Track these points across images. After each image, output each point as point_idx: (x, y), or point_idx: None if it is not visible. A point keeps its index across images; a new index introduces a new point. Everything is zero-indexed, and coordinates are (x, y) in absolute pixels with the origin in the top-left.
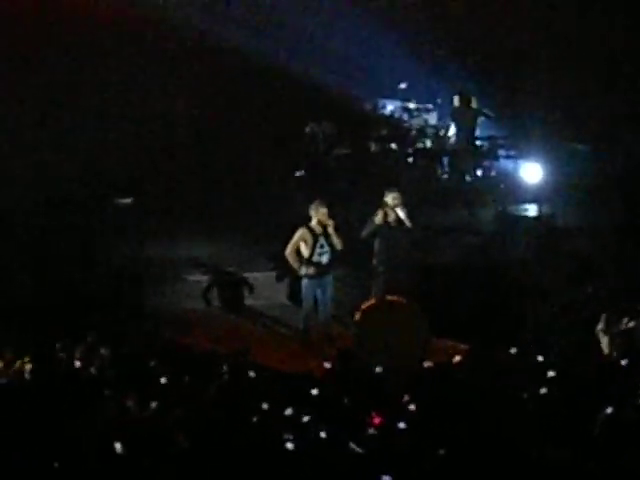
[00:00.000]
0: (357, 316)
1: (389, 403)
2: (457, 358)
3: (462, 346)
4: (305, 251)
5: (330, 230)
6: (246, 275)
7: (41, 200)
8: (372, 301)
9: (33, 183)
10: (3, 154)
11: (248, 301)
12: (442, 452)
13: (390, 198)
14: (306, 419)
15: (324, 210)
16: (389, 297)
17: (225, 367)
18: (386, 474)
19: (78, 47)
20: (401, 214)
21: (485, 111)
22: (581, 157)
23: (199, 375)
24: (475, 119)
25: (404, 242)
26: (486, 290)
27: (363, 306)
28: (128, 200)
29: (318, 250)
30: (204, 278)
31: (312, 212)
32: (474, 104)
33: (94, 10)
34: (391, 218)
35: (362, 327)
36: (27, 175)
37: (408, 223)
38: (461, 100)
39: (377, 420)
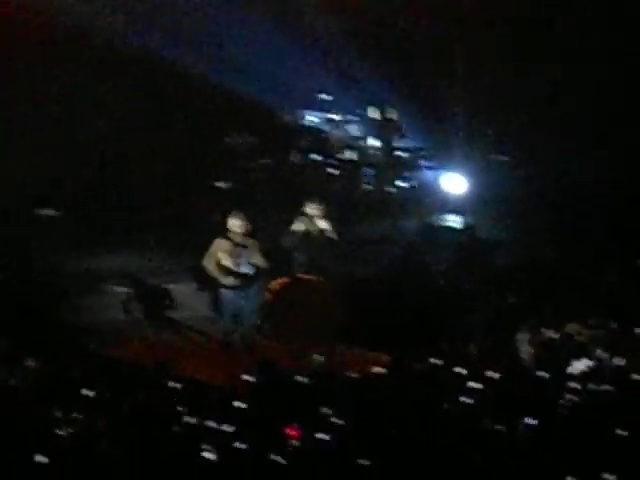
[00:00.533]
0: (268, 295)
1: (309, 414)
2: (377, 369)
3: (383, 357)
4: (226, 261)
5: (250, 243)
6: (168, 286)
7: None
8: (284, 280)
9: None
10: None
11: (170, 313)
12: (365, 463)
13: (311, 209)
14: (229, 430)
15: (237, 223)
16: (300, 276)
17: (145, 379)
18: None
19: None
20: (324, 225)
21: (398, 123)
22: (502, 168)
23: (120, 387)
24: (393, 130)
25: (326, 253)
26: (409, 301)
27: (274, 285)
28: (51, 212)
29: (237, 260)
30: (125, 290)
31: (229, 223)
32: (392, 115)
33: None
34: (313, 229)
35: (274, 306)
36: None
37: (332, 234)
38: (378, 111)
39: (294, 432)
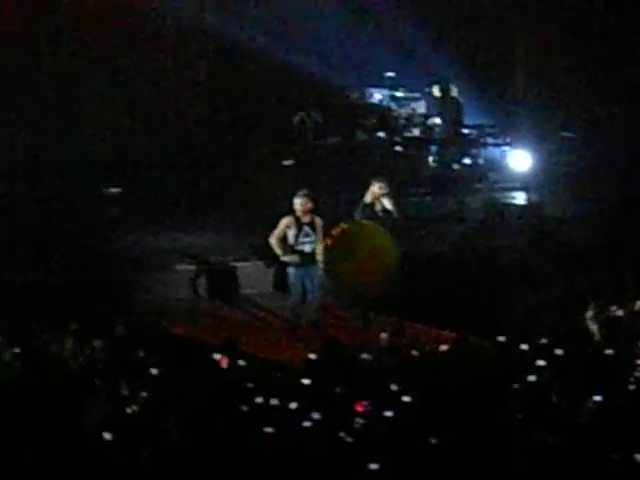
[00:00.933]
0: (328, 241)
1: (377, 392)
2: (444, 347)
3: (450, 334)
4: (290, 239)
5: (317, 222)
6: (236, 264)
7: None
8: (342, 226)
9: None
10: None
11: (238, 291)
12: (434, 441)
13: (377, 187)
14: (294, 407)
15: (300, 201)
16: (358, 222)
17: (214, 356)
18: (374, 462)
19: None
20: (387, 204)
21: (460, 100)
22: (570, 145)
23: (188, 364)
24: (456, 108)
25: (390, 231)
26: (475, 279)
27: (333, 231)
28: (116, 190)
29: (301, 239)
30: (192, 268)
31: (296, 202)
32: (454, 92)
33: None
34: (378, 208)
35: (334, 251)
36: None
37: (395, 213)
38: (441, 89)
39: (360, 407)
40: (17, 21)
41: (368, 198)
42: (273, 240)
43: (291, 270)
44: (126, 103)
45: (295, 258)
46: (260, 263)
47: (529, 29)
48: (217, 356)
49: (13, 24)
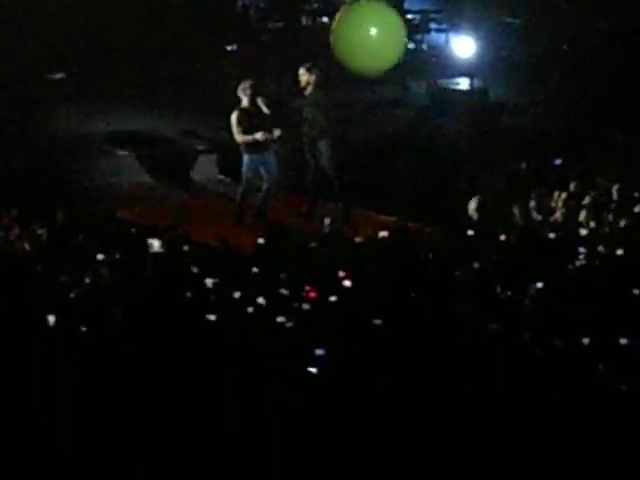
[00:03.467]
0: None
1: (323, 278)
2: (384, 233)
3: (394, 221)
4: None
5: (263, 108)
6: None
7: None
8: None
9: None
10: None
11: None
12: (377, 322)
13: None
14: (237, 294)
15: (245, 92)
16: None
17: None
18: (319, 348)
19: None
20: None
21: None
22: (514, 31)
23: (132, 250)
24: None
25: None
26: (420, 165)
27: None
28: (60, 75)
29: (254, 129)
30: (137, 152)
31: (240, 92)
32: None
33: None
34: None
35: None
36: None
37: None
38: None
39: (312, 294)
40: None
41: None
42: (240, 138)
43: (245, 157)
44: None
45: (260, 135)
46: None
47: None
48: (154, 241)
49: None
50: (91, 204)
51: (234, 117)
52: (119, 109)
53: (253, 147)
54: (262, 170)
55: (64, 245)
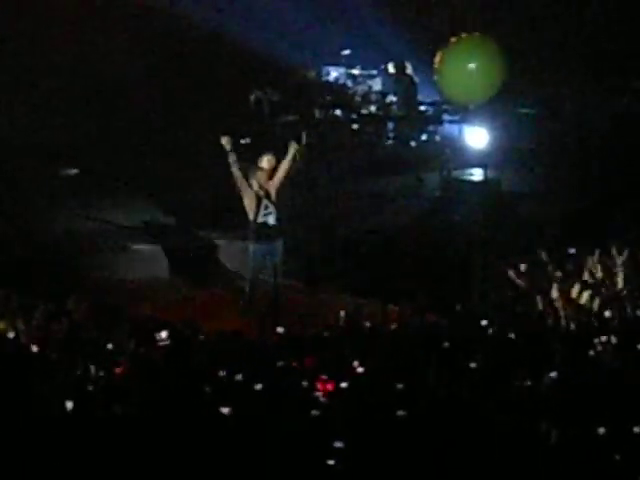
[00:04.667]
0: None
1: (339, 367)
2: (395, 324)
3: (407, 310)
4: (251, 215)
5: (272, 192)
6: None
7: None
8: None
9: None
10: None
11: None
12: (400, 413)
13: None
14: (258, 387)
15: (256, 176)
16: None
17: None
18: (339, 440)
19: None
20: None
21: (414, 78)
22: (527, 122)
23: (146, 341)
24: (411, 85)
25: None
26: (433, 255)
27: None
28: (74, 171)
29: (262, 212)
30: (149, 247)
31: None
32: (409, 70)
33: None
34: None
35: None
36: None
37: None
38: (396, 66)
39: (329, 385)
40: None
41: None
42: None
43: (251, 246)
44: (80, 86)
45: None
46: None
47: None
48: (162, 333)
49: None
50: (105, 298)
51: (246, 199)
52: (133, 203)
53: (260, 236)
54: (268, 260)
55: (80, 339)
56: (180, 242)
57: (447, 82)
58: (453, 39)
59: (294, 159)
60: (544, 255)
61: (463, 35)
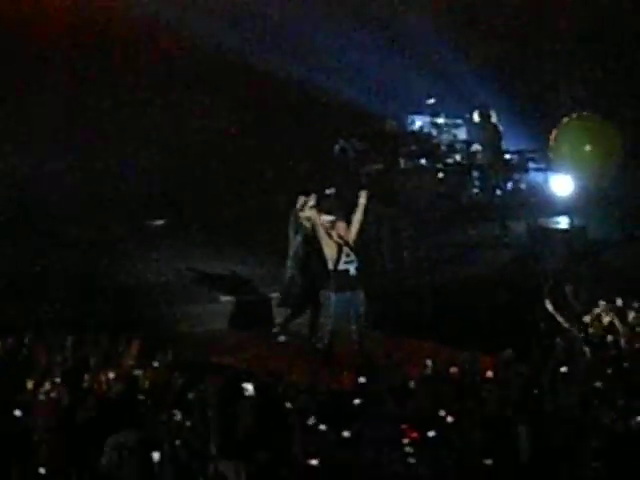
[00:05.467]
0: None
1: (424, 417)
2: (488, 373)
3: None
4: (330, 264)
5: (350, 240)
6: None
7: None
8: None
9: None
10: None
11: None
12: (488, 462)
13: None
14: (346, 434)
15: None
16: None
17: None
18: None
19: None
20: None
21: (499, 126)
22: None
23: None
24: (496, 133)
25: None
26: (521, 304)
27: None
28: (161, 221)
29: (344, 259)
30: (238, 299)
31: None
32: (493, 118)
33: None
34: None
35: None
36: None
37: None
38: (481, 115)
39: (414, 434)
40: None
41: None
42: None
43: (332, 295)
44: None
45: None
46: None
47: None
48: (248, 385)
49: None
50: (192, 350)
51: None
52: (219, 254)
53: (341, 285)
54: (351, 310)
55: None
56: (260, 295)
57: (564, 163)
58: (566, 119)
59: (366, 209)
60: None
61: (577, 115)
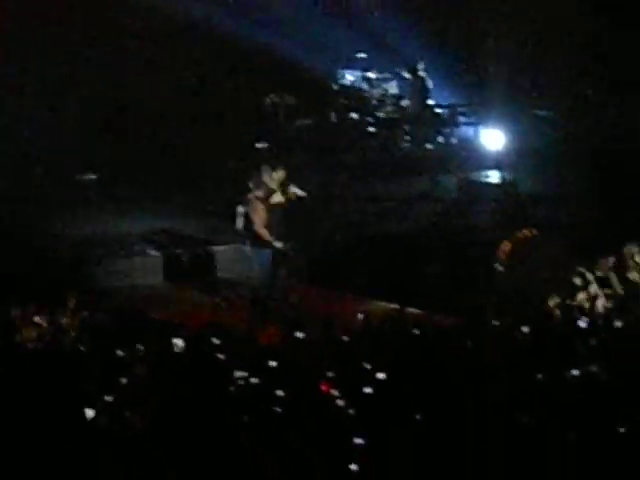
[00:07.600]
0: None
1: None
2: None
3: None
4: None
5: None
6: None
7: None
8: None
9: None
10: None
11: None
12: (418, 416)
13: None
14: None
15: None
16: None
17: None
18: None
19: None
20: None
21: (428, 79)
22: (544, 124)
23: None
24: (425, 87)
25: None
26: (450, 258)
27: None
28: (92, 177)
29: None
30: (167, 252)
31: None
32: (422, 72)
33: None
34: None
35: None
36: None
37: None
38: (410, 69)
39: (325, 387)
40: None
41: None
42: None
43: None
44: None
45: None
46: (234, 246)
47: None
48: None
49: None
50: (121, 303)
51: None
52: (147, 209)
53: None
54: (278, 265)
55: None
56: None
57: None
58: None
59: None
60: None
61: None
